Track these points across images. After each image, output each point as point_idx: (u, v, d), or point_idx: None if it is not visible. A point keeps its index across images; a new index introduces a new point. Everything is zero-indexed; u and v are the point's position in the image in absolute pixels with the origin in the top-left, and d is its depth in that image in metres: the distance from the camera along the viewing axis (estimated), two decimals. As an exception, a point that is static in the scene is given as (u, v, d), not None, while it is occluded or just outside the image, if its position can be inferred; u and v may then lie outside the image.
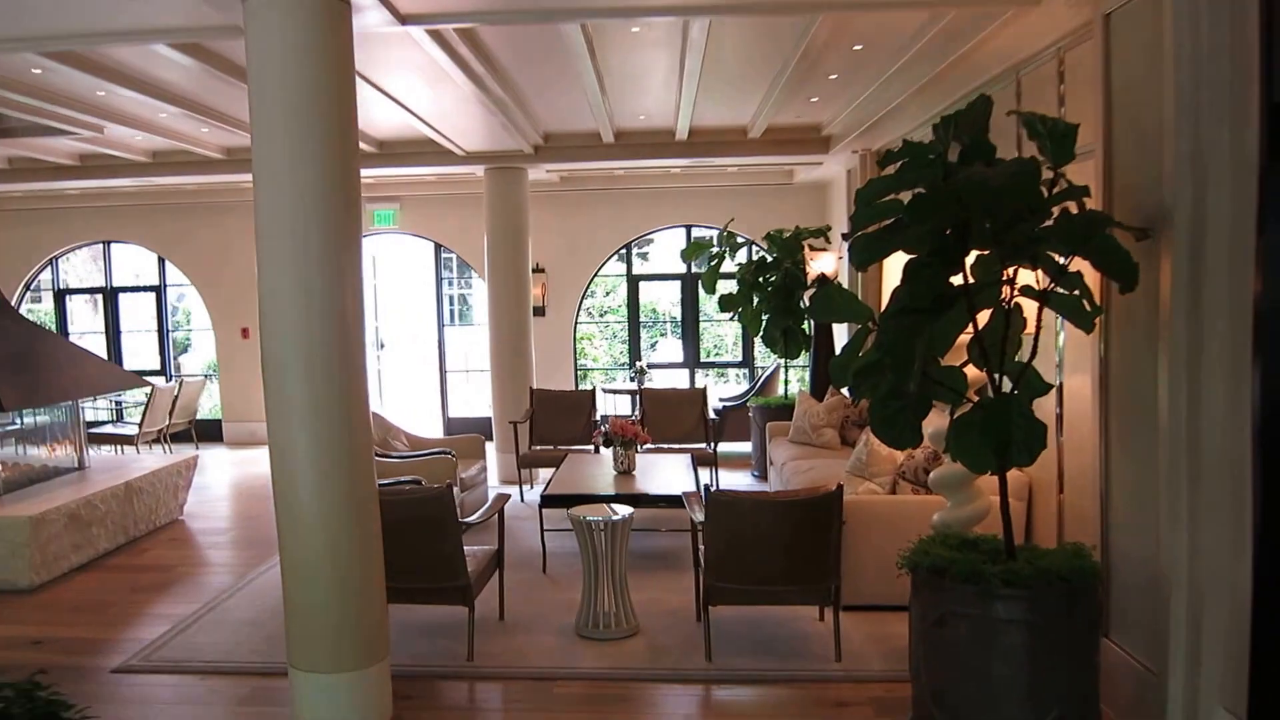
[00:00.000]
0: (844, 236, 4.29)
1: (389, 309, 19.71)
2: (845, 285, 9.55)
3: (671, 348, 14.20)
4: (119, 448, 11.60)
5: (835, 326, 9.65)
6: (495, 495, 6.19)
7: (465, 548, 5.37)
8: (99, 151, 9.93)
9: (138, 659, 5.48)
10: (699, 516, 5.34)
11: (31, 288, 13.77)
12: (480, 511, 5.84)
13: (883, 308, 3.98)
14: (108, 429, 11.80)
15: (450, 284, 18.52)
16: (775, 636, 5.58)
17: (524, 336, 10.53)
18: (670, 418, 9.20)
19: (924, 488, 5.94)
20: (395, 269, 17.10)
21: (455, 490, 7.37)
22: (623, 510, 5.70)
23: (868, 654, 5.33)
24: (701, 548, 5.29)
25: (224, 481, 10.93)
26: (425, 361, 17.75)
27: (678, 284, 13.24)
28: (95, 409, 13.25)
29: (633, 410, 11.05)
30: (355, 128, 4.58)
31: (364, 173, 10.95)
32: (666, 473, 7.35)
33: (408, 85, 7.37)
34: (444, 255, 13.38)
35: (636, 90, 7.93)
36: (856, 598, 5.70)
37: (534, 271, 11.80)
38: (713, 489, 5.22)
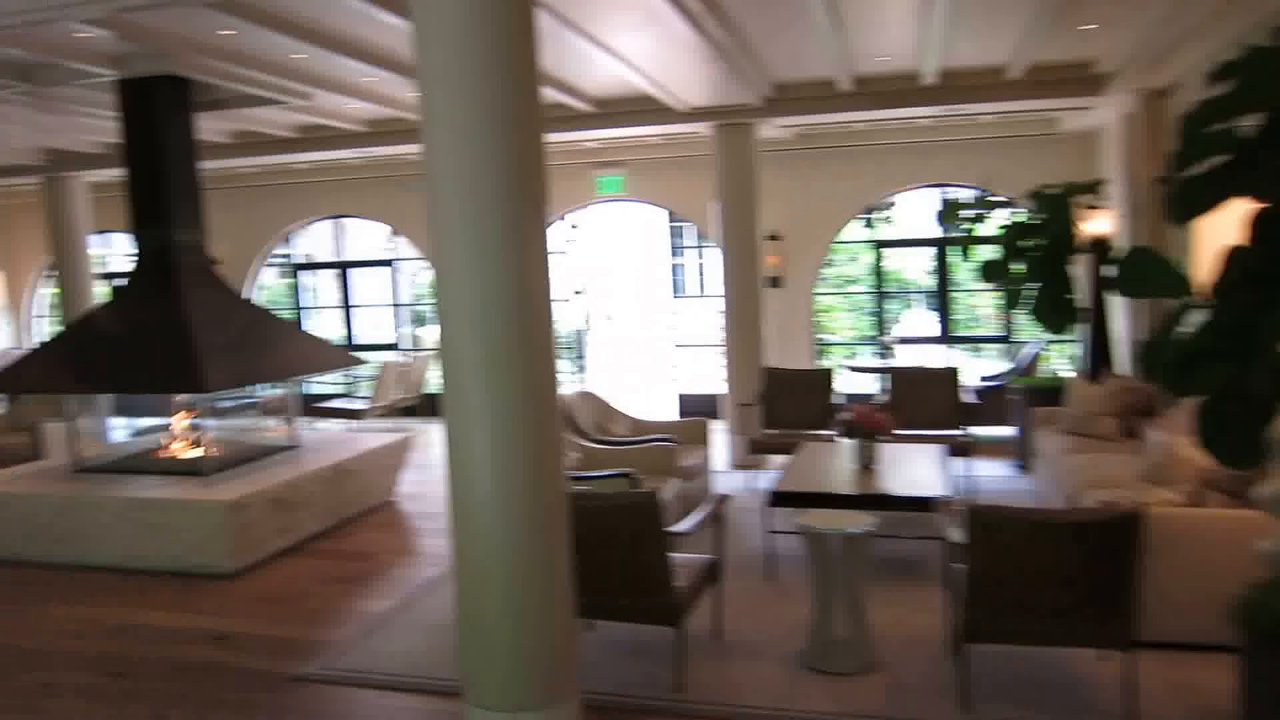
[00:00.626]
0: (1160, 181, 3.11)
1: (617, 280, 19.29)
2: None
3: (921, 320, 12.80)
4: (347, 421, 11.55)
5: (1114, 299, 8.11)
6: (713, 496, 5.27)
7: (675, 555, 4.48)
8: (316, 122, 9.70)
9: (318, 667, 4.94)
10: (957, 537, 4.20)
11: (268, 262, 14.07)
12: (692, 519, 4.91)
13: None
14: (338, 403, 11.78)
15: (680, 253, 17.78)
16: (1046, 681, 4.40)
17: (756, 309, 9.51)
18: (919, 400, 7.96)
19: (1242, 501, 4.54)
20: (624, 238, 16.52)
21: (672, 485, 6.55)
22: (862, 521, 4.63)
23: (1171, 711, 4.07)
24: (958, 568, 4.15)
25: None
26: (655, 336, 17.17)
27: (926, 249, 11.83)
28: (325, 383, 13.36)
29: (881, 390, 9.85)
30: (534, 76, 3.91)
31: (583, 135, 10.29)
32: (915, 468, 6.18)
33: (620, 32, 6.53)
34: (675, 223, 12.57)
35: (874, 24, 6.75)
36: (1154, 633, 4.35)
37: (770, 239, 10.76)
38: (974, 497, 4.05)
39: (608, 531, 4.36)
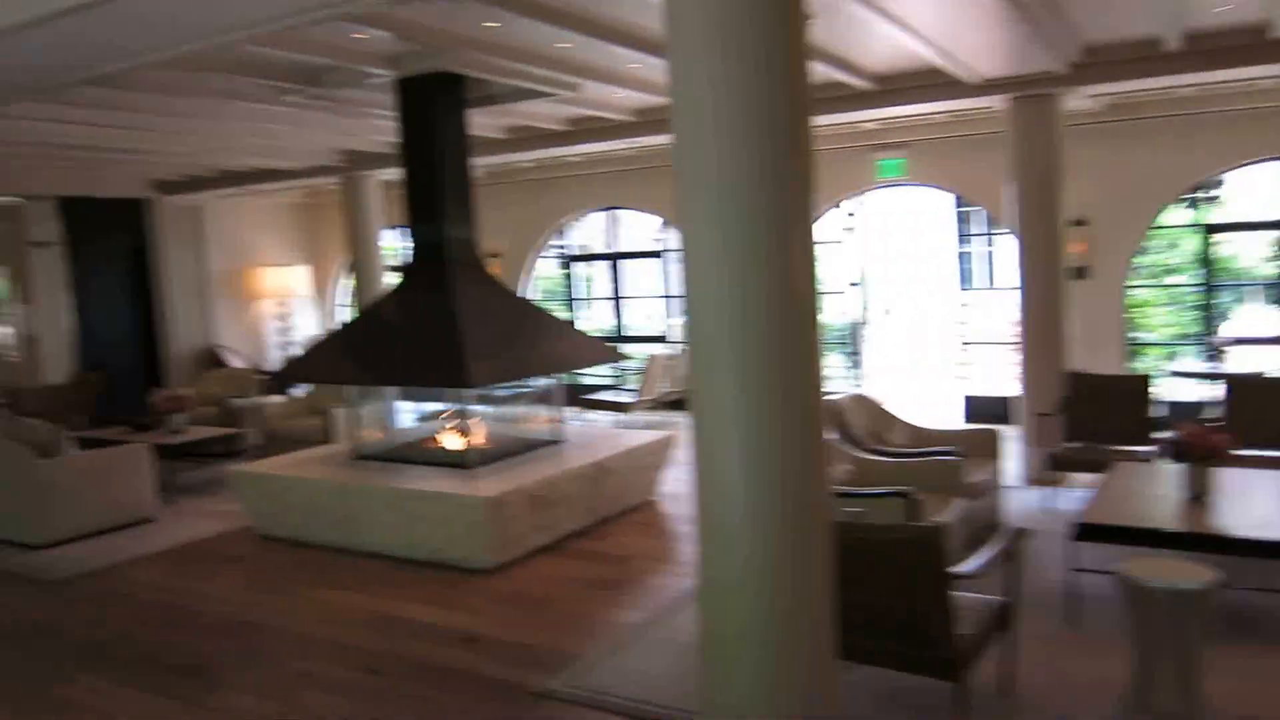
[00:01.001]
0: None
1: (897, 270, 18.26)
2: None
3: (1259, 317, 11.09)
4: (614, 414, 11.51)
5: None
6: (1006, 529, 4.55)
7: (958, 595, 3.85)
8: (585, 114, 9.61)
9: (561, 683, 4.69)
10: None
11: (543, 254, 14.30)
12: (981, 558, 4.20)
13: None
14: (605, 395, 11.75)
15: (967, 241, 16.57)
16: None
17: (1058, 304, 8.44)
18: (1263, 414, 6.72)
19: None
20: (905, 225, 15.58)
21: (956, 505, 5.84)
22: (1200, 575, 3.78)
23: None
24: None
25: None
26: (939, 331, 16.07)
27: (1267, 233, 10.20)
28: (593, 374, 13.40)
29: (1212, 401, 8.54)
30: (803, 50, 3.50)
31: (861, 115, 9.60)
32: (1262, 501, 5.14)
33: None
34: (962, 209, 11.61)
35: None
36: None
37: (1074, 225, 9.61)
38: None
39: (880, 566, 3.80)
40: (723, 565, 3.51)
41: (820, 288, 3.59)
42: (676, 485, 8.36)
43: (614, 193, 13.20)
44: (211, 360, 13.67)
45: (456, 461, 7.07)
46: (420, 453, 7.43)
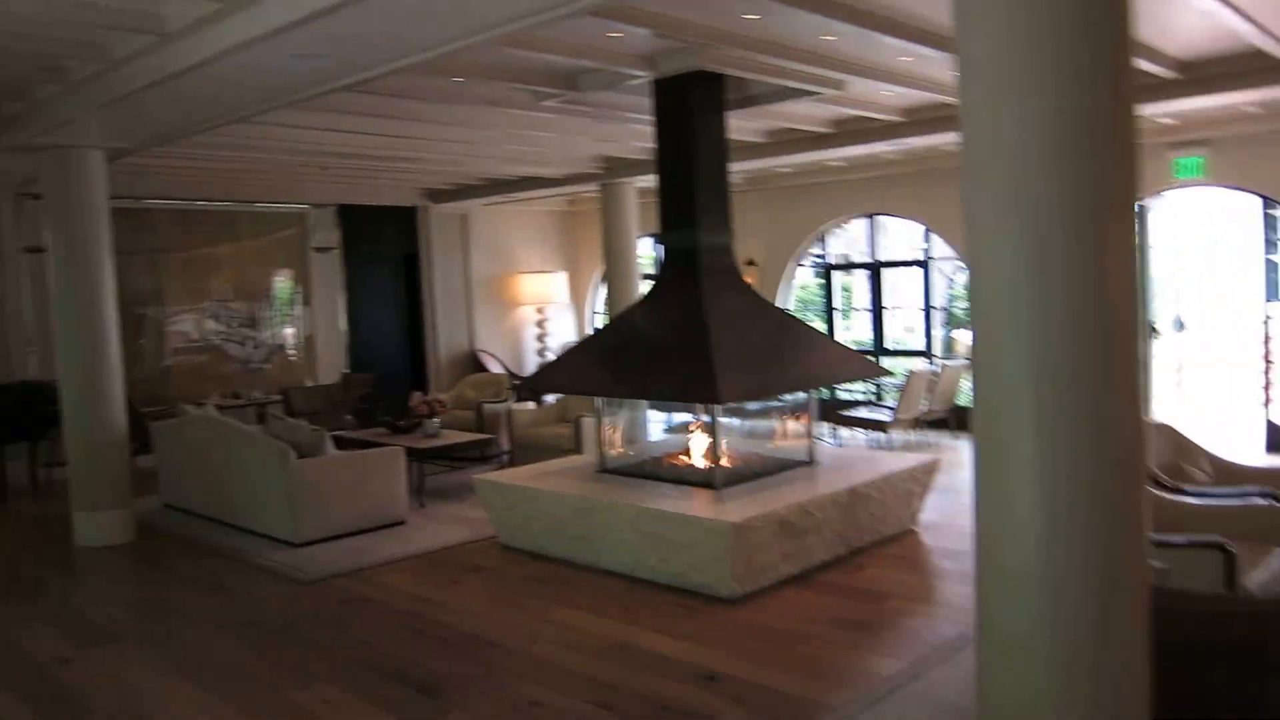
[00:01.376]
0: None
1: (1191, 281, 16.42)
2: None
3: None
4: (869, 432, 10.87)
5: None
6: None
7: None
8: (849, 115, 9.06)
9: (807, 740, 4.23)
10: None
11: (802, 262, 13.80)
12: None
13: None
14: (861, 412, 11.12)
15: (1276, 248, 14.63)
16: None
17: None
18: None
19: None
20: (1202, 230, 13.93)
21: (1276, 558, 4.90)
22: None
23: None
24: None
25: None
26: (1242, 349, 14.27)
27: None
28: (848, 388, 12.76)
29: None
30: (1127, 26, 3.04)
31: (1160, 108, 8.52)
32: None
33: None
34: (1270, 211, 10.16)
35: None
36: None
37: None
38: None
39: (1215, 643, 3.11)
40: (1008, 619, 3.01)
41: (1141, 297, 2.98)
42: (940, 514, 7.68)
43: (876, 199, 12.54)
44: (472, 365, 14.13)
45: (703, 481, 6.75)
46: (666, 469, 7.17)
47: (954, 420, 11.50)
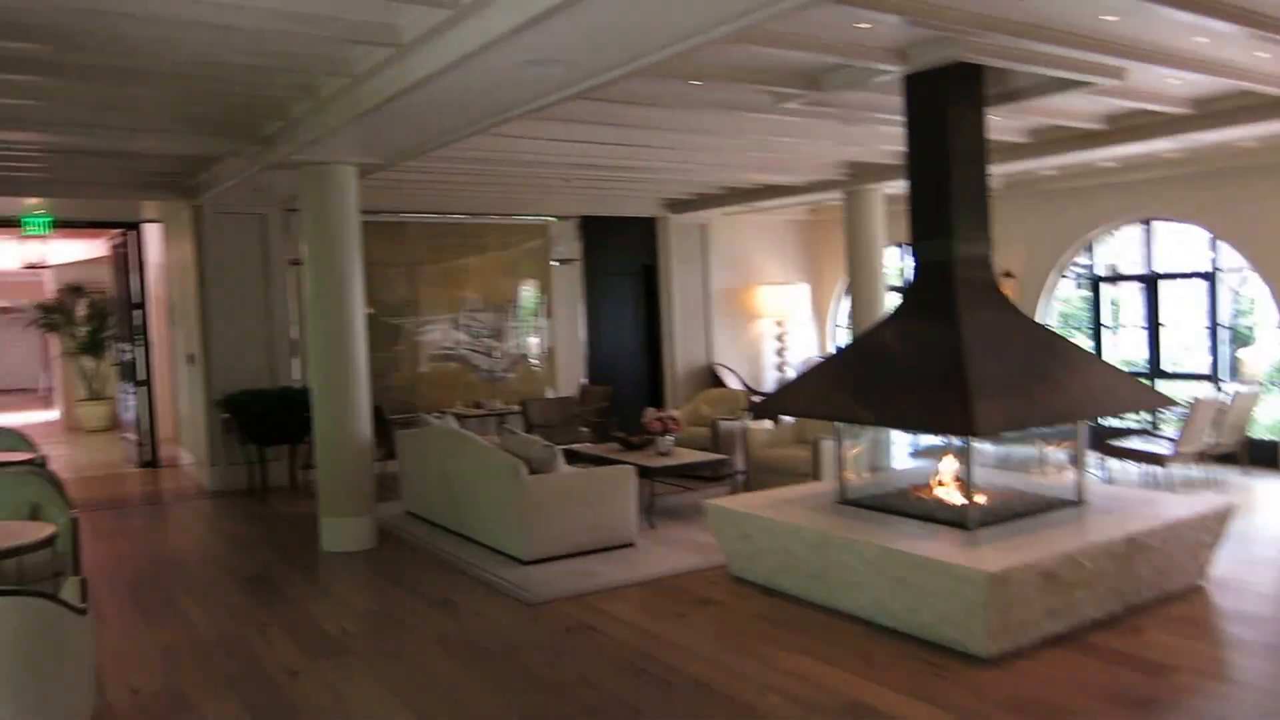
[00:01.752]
0: None
1: None
2: None
3: None
4: (1145, 466, 9.69)
5: None
6: None
7: None
8: (1128, 107, 8.07)
9: None
10: None
11: (1065, 274, 12.61)
12: None
13: None
14: (1134, 442, 9.95)
15: None
16: None
17: None
18: None
19: None
20: None
21: None
22: None
23: None
24: None
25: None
26: None
27: None
28: (1121, 418, 11.51)
29: None
30: None
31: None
32: None
33: None
34: None
35: None
36: None
37: None
38: None
39: None
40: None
41: None
42: (1234, 568, 6.64)
43: (1152, 202, 11.25)
44: (710, 379, 13.85)
45: (955, 519, 6.08)
46: (913, 503, 6.53)
47: (1244, 455, 10.10)
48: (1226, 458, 10.04)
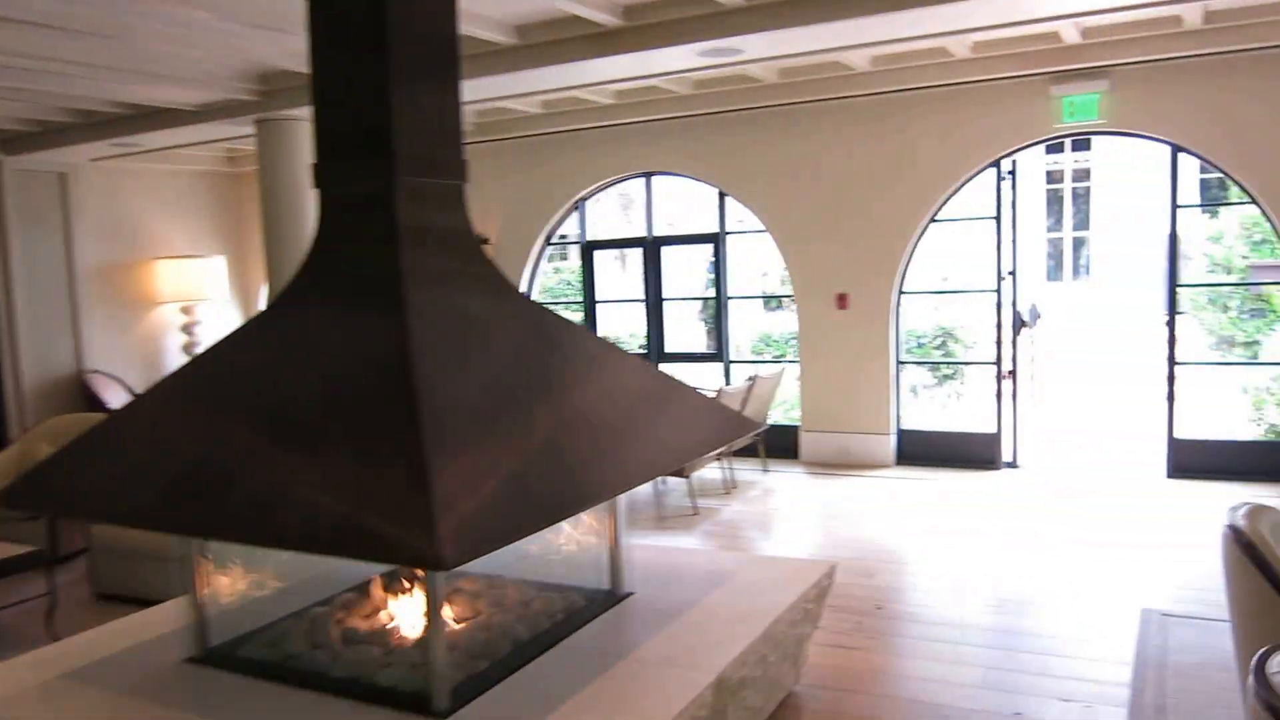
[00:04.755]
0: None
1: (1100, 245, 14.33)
2: None
3: None
4: (659, 481, 7.69)
5: None
6: None
7: None
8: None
9: None
10: None
11: (553, 240, 10.35)
12: None
13: None
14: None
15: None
16: None
17: None
18: None
19: None
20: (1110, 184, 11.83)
21: None
22: None
23: None
24: None
25: (827, 535, 6.37)
26: (1123, 342, 12.28)
27: None
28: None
29: None
30: None
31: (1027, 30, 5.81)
32: None
33: None
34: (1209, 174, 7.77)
35: None
36: None
37: None
38: None
39: None
40: None
41: None
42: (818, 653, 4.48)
43: (653, 155, 9.29)
44: (80, 395, 9.64)
45: (414, 694, 3.12)
46: (337, 655, 3.45)
47: (763, 445, 8.52)
48: (746, 450, 8.35)
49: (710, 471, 8.16)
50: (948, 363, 11.75)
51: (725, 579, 4.26)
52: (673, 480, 7.73)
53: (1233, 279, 10.99)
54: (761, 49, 6.41)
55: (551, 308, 4.75)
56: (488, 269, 3.74)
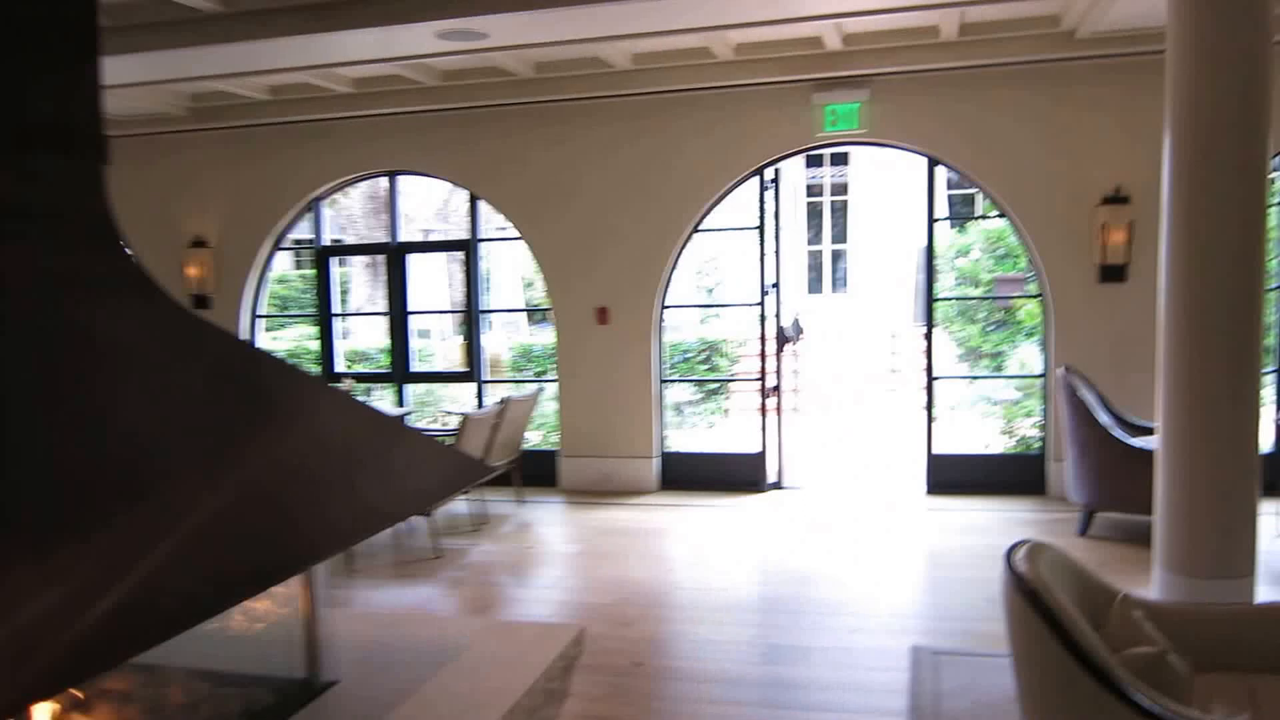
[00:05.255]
0: None
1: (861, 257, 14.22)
2: None
3: None
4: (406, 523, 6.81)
5: None
6: None
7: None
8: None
9: None
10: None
11: (284, 245, 9.25)
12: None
13: None
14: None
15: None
16: None
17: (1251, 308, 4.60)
18: None
19: None
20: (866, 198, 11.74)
21: None
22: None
23: None
24: None
25: (584, 576, 5.77)
26: (883, 357, 12.19)
27: None
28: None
29: None
30: None
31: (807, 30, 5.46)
32: None
33: None
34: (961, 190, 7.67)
35: None
36: None
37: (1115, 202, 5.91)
38: None
39: None
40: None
41: None
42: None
43: (396, 152, 8.41)
44: None
45: None
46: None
47: (518, 473, 7.82)
48: (499, 480, 7.62)
49: (459, 504, 7.39)
50: (711, 380, 11.50)
51: (454, 654, 3.50)
52: (416, 518, 6.89)
53: (979, 292, 11.28)
54: (508, 34, 5.73)
55: (281, 320, 3.83)
56: (133, 272, 2.83)
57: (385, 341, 9.39)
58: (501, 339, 13.99)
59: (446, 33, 5.47)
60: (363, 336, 12.49)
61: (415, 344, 12.66)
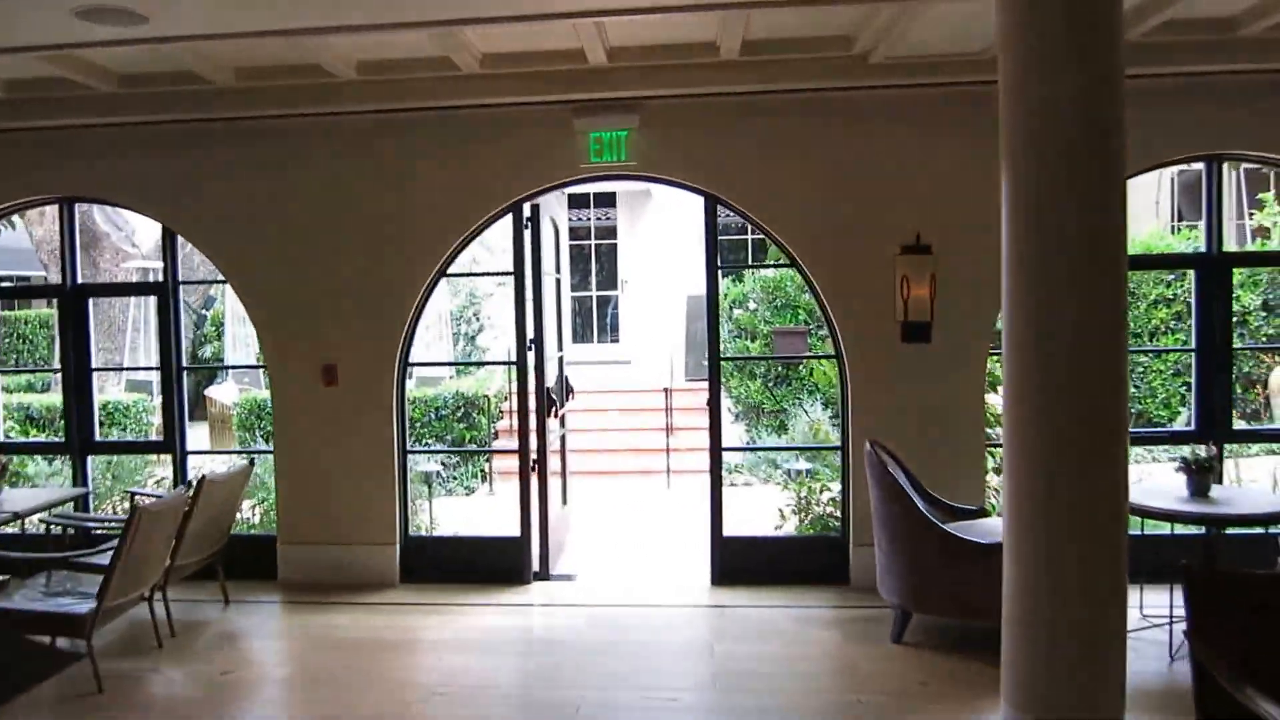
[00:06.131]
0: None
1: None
2: None
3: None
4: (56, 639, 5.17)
5: None
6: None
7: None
8: None
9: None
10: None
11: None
12: None
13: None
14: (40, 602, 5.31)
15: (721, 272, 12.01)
16: None
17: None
18: None
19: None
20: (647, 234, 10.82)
21: None
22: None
23: None
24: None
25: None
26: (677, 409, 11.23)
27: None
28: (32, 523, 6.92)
29: None
30: None
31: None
32: None
33: None
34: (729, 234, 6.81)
35: None
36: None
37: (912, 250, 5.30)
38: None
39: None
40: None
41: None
42: None
43: (68, 170, 6.80)
44: None
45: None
46: None
47: (222, 567, 6.34)
48: (201, 573, 6.14)
49: (141, 610, 5.76)
50: (464, 451, 10.20)
51: None
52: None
53: (757, 345, 10.65)
54: (174, 19, 4.37)
55: None
56: None
57: (60, 403, 7.63)
58: (230, 391, 12.21)
59: (87, 9, 4.07)
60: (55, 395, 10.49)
61: (129, 401, 10.72)
